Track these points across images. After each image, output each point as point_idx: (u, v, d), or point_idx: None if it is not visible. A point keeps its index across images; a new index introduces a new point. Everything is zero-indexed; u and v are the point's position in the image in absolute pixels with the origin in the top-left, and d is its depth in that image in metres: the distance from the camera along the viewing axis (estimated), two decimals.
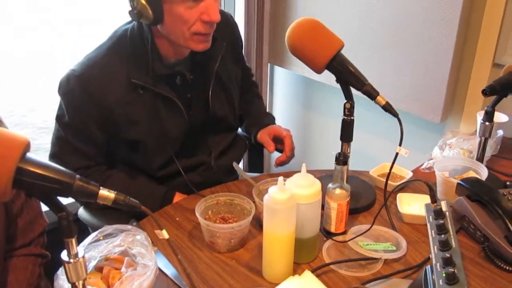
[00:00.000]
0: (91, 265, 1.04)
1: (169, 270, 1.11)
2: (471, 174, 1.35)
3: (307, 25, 1.23)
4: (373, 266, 1.12)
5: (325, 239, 1.21)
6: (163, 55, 1.35)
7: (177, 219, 1.29)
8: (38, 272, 1.16)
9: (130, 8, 1.25)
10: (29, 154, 0.73)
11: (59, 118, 1.37)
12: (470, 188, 1.20)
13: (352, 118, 1.27)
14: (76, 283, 0.80)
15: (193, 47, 1.31)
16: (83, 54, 1.35)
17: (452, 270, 0.78)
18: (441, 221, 0.89)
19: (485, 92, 1.34)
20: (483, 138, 1.41)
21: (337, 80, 1.25)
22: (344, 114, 1.27)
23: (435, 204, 0.94)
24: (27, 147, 0.73)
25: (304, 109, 2.49)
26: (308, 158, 2.53)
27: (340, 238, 1.20)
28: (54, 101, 1.40)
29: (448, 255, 0.80)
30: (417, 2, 1.76)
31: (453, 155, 1.51)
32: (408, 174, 1.44)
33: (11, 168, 0.69)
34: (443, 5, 1.68)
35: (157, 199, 1.40)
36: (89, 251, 1.02)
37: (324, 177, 1.42)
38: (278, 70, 2.53)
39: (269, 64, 2.44)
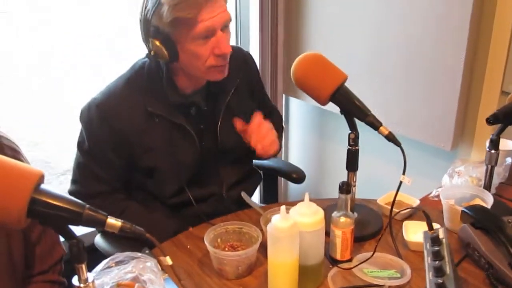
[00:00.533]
0: None
1: None
2: (478, 201, 1.37)
3: (311, 60, 1.29)
4: None
5: (331, 266, 1.23)
6: (179, 87, 1.43)
7: (188, 247, 1.33)
8: None
9: (147, 51, 1.34)
10: (43, 186, 0.80)
11: (79, 145, 1.44)
12: (474, 216, 1.22)
13: (356, 148, 1.32)
14: None
15: (211, 78, 1.40)
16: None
17: None
18: (437, 248, 0.91)
19: (488, 121, 1.37)
20: (489, 166, 1.42)
21: (341, 112, 1.29)
22: (349, 144, 1.31)
23: (432, 231, 0.96)
24: (40, 179, 0.79)
25: (320, 139, 2.53)
26: (324, 186, 2.56)
27: (345, 265, 1.23)
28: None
29: (441, 281, 0.83)
30: (425, 30, 1.81)
31: (461, 183, 1.53)
32: (415, 202, 1.46)
33: (26, 198, 0.75)
34: (450, 33, 1.73)
35: (168, 234, 1.43)
36: (101, 277, 1.07)
37: (333, 206, 1.45)
38: (293, 101, 2.59)
39: (284, 95, 2.50)
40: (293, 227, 1.04)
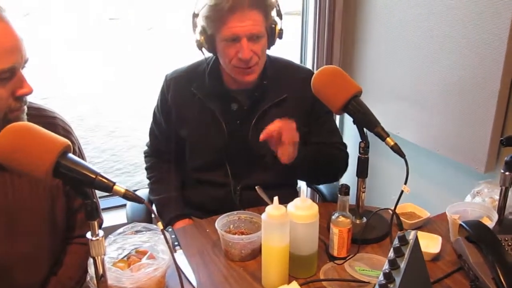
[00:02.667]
0: (124, 253, 1.28)
1: (186, 268, 1.31)
2: (485, 220, 1.41)
3: (329, 71, 1.41)
4: None
5: (328, 261, 1.34)
6: (225, 81, 1.67)
7: (207, 230, 1.50)
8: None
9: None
10: (70, 154, 1.00)
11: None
12: (469, 230, 1.27)
13: (366, 156, 1.41)
14: (96, 258, 1.05)
15: (238, 78, 1.59)
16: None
17: (384, 282, 0.89)
18: (400, 245, 1.00)
19: (502, 142, 1.40)
20: (503, 188, 1.45)
21: (354, 122, 1.40)
22: (359, 152, 1.41)
23: (402, 231, 1.05)
24: (67, 147, 0.99)
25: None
26: (370, 199, 2.61)
27: (339, 262, 1.33)
28: None
29: (387, 271, 0.92)
30: (465, 61, 1.85)
31: (478, 202, 1.56)
32: (426, 215, 1.52)
33: (52, 160, 0.95)
34: (488, 63, 1.76)
35: (167, 216, 1.68)
36: (123, 240, 1.27)
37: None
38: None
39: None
40: (284, 216, 1.17)
